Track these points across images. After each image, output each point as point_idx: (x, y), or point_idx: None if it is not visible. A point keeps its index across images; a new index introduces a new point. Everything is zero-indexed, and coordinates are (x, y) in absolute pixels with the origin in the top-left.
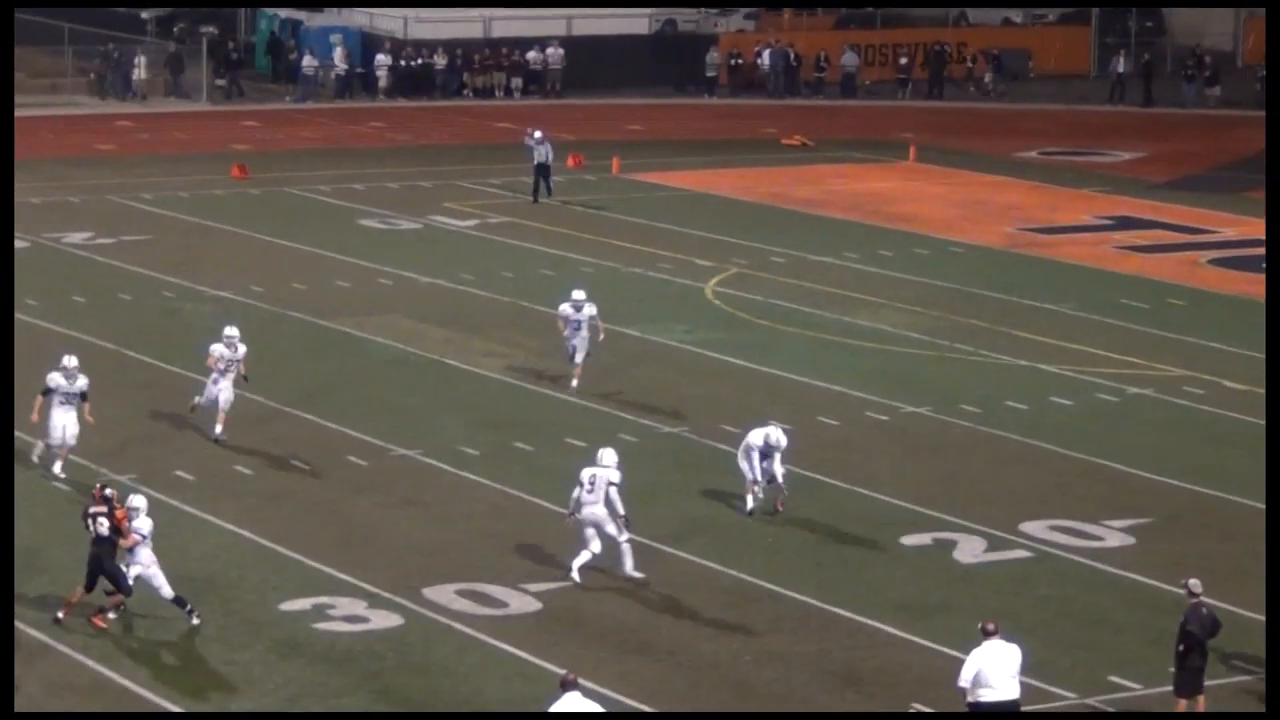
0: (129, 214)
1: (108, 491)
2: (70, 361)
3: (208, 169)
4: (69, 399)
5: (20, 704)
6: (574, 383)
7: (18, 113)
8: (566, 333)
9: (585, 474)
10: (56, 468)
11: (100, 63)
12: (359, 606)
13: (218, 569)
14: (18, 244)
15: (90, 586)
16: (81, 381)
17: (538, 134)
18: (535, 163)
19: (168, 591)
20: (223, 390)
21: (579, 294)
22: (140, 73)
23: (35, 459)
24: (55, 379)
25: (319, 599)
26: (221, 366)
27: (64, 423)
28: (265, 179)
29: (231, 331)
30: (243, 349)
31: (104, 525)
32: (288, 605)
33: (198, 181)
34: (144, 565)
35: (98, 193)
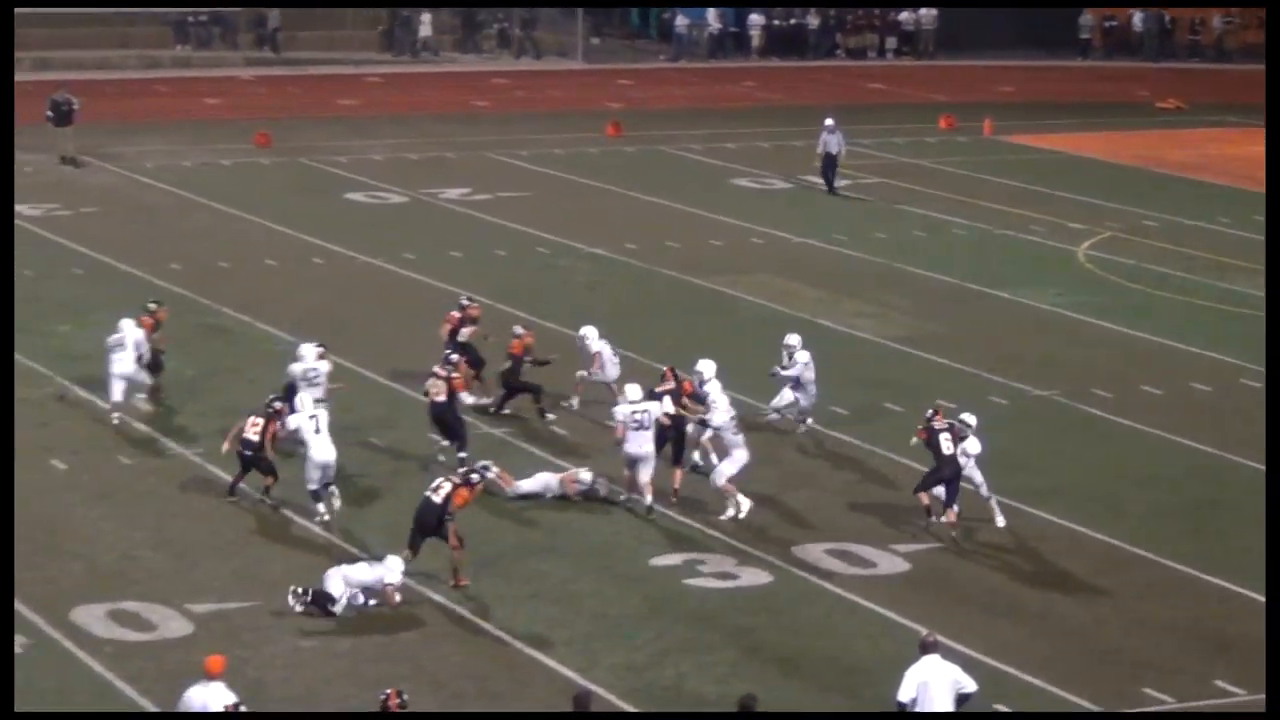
0: (505, 170)
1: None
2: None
3: (582, 127)
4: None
5: (399, 650)
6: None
7: (398, 69)
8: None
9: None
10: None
11: (388, 18)
12: (729, 563)
13: (592, 524)
14: (397, 199)
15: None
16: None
17: (829, 121)
18: (822, 152)
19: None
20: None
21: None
22: (426, 30)
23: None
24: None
25: (690, 555)
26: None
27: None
28: (639, 137)
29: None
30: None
31: (440, 492)
32: (659, 560)
33: (573, 139)
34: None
35: (474, 149)
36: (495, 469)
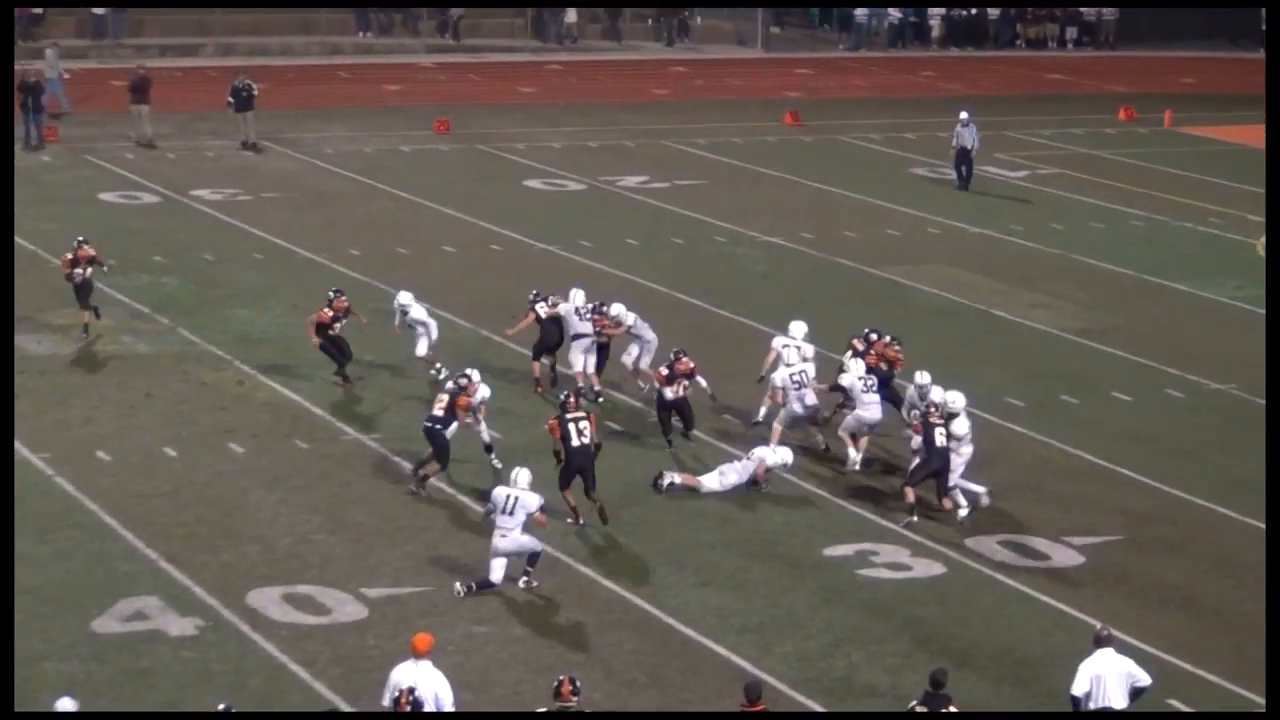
0: (683, 159)
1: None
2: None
3: (761, 115)
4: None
5: (572, 636)
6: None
7: (575, 57)
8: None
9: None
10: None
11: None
12: (902, 554)
13: (764, 513)
14: (575, 186)
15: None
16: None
17: (964, 115)
18: (956, 146)
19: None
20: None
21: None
22: (570, 16)
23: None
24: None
25: (863, 545)
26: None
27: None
28: (817, 126)
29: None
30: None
31: (587, 433)
32: (832, 550)
33: (750, 128)
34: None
35: (652, 137)
36: (678, 476)
